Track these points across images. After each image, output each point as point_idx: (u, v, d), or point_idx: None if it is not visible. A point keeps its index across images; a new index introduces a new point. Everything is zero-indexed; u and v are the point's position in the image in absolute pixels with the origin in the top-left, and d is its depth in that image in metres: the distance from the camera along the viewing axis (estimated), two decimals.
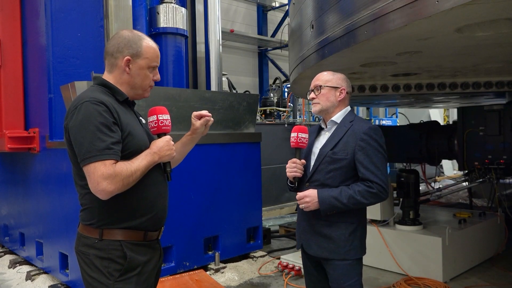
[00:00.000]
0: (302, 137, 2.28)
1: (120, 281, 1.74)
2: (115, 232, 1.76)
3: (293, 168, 2.29)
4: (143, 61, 1.83)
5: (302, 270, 4.42)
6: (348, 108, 2.38)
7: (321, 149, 2.31)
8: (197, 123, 2.03)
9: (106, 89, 1.83)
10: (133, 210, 1.79)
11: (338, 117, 2.33)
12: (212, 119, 2.07)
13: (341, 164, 2.22)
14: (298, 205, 2.34)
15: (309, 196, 2.21)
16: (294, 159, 2.31)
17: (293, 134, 2.30)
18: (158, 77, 1.91)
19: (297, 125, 2.44)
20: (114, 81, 1.85)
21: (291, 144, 2.31)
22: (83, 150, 1.65)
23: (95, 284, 1.75)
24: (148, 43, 1.85)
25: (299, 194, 2.25)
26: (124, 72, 1.83)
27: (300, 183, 2.36)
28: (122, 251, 1.75)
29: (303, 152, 2.37)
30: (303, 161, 2.32)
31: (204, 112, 2.05)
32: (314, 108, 2.37)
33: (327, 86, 2.31)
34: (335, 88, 2.32)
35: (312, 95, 2.36)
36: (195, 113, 2.05)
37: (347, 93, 2.34)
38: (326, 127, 2.37)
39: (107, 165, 1.63)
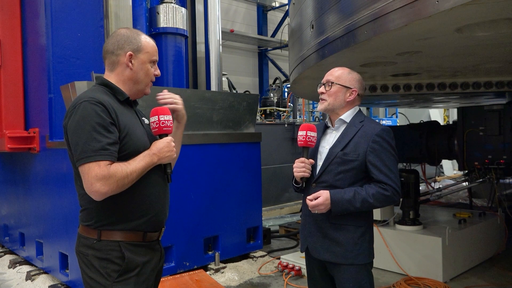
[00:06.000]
0: (310, 136, 2.17)
1: (118, 282, 1.74)
2: (114, 232, 1.75)
3: (301, 168, 2.18)
4: (144, 55, 1.86)
5: (303, 271, 4.45)
6: (357, 108, 2.29)
7: (330, 149, 2.20)
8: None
9: (107, 89, 1.83)
10: (131, 212, 1.78)
11: (347, 116, 2.24)
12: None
13: (352, 165, 2.13)
14: (303, 206, 2.22)
15: (323, 204, 2.08)
16: (302, 159, 2.19)
17: (301, 133, 2.19)
18: (158, 72, 1.94)
19: (304, 123, 2.35)
20: (116, 79, 1.86)
21: (299, 143, 2.20)
22: (79, 150, 1.65)
23: (94, 285, 1.75)
24: (146, 38, 1.90)
25: (313, 202, 2.10)
26: (127, 68, 1.84)
27: (307, 184, 2.25)
28: (120, 252, 1.75)
29: (310, 151, 2.26)
30: (311, 160, 2.21)
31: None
32: (320, 106, 2.27)
33: (338, 84, 2.22)
34: (347, 88, 2.22)
35: (321, 89, 2.26)
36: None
37: (358, 94, 2.24)
38: (333, 125, 2.28)
39: (101, 166, 1.62)
